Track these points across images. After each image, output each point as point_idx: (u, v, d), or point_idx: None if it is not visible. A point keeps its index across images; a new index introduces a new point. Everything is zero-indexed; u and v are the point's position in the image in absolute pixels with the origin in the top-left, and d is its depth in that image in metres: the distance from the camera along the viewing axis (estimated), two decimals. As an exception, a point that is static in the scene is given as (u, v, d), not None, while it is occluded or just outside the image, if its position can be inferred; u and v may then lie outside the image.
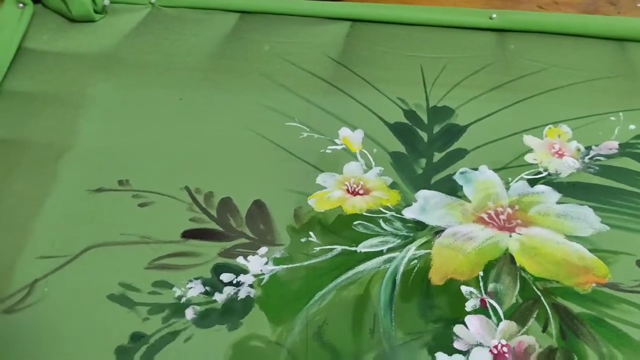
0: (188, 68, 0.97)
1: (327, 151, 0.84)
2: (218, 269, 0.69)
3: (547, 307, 0.66)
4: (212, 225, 0.74)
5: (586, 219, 0.75)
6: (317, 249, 0.72)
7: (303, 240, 0.73)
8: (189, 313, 0.65)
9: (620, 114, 0.90)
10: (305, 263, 0.70)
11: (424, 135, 0.87)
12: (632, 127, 0.88)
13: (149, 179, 0.79)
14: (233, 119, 0.88)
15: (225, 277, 0.69)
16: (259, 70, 0.96)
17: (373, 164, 0.83)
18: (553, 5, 1.24)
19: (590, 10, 1.23)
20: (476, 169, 0.82)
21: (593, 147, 0.85)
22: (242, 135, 0.86)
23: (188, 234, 0.73)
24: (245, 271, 0.69)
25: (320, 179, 0.80)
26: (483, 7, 1.13)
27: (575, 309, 0.66)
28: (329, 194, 0.78)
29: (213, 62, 0.98)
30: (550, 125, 0.88)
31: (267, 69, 0.96)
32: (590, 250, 0.72)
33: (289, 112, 0.89)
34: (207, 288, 0.67)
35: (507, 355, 0.62)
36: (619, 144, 0.85)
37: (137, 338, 0.63)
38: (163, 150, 0.84)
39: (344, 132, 0.87)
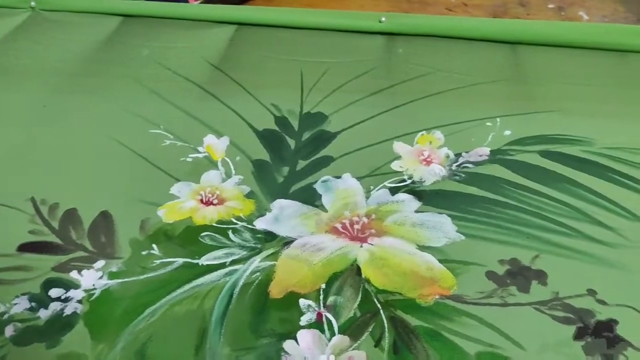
0: (58, 73, 0.94)
1: (188, 159, 0.82)
2: (48, 284, 0.67)
3: (384, 320, 0.64)
4: (52, 238, 0.72)
5: (442, 228, 0.74)
6: (157, 262, 0.70)
7: (144, 253, 0.71)
8: (9, 330, 0.63)
9: (498, 119, 0.88)
10: (142, 277, 0.68)
11: (291, 142, 0.85)
12: (507, 132, 0.86)
13: (-5, 188, 0.77)
14: (95, 125, 0.86)
15: (54, 292, 0.66)
16: (133, 75, 0.94)
17: (233, 172, 0.80)
18: (462, 7, 1.22)
19: (500, 12, 1.22)
20: (339, 177, 0.80)
21: (463, 153, 0.84)
22: (101, 143, 0.83)
23: (24, 248, 0.71)
24: (76, 286, 0.67)
25: (175, 188, 0.78)
26: (390, 10, 1.12)
27: (414, 322, 0.64)
28: (181, 205, 0.76)
29: (86, 67, 0.96)
30: (423, 132, 0.86)
31: (141, 74, 0.94)
32: (441, 261, 0.70)
33: (155, 119, 0.87)
34: (33, 304, 0.65)
35: (333, 371, 0.60)
36: (491, 151, 0.84)
37: (-51, 357, 0.61)
38: (15, 159, 0.81)
39: (209, 139, 0.85)
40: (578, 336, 0.64)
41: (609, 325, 0.65)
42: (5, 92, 0.91)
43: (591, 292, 0.67)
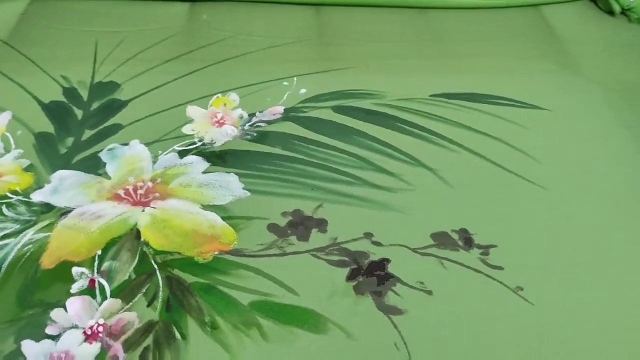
0: None
1: (-38, 136, 0.78)
2: None
3: (160, 280, 0.64)
4: None
5: (228, 186, 0.74)
6: None
7: None
8: None
9: (295, 78, 0.89)
10: None
11: (79, 112, 0.82)
12: (303, 91, 0.88)
13: None
14: None
15: None
16: None
17: (13, 147, 0.77)
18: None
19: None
20: (126, 144, 0.78)
21: (257, 113, 0.84)
22: None
23: None
24: None
25: (-54, 168, 0.74)
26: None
27: (190, 279, 0.64)
28: (-47, 183, 0.72)
29: None
30: (218, 95, 0.86)
31: None
32: (224, 218, 0.70)
33: None
34: None
35: (101, 334, 0.59)
36: (285, 109, 0.85)
37: None
38: None
39: (-10, 115, 0.81)
40: (351, 277, 0.65)
41: (381, 264, 0.67)
42: None
43: (368, 235, 0.69)
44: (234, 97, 0.86)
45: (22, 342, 0.58)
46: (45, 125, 0.80)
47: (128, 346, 0.58)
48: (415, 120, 0.85)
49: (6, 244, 0.66)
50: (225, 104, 0.84)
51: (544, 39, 1.06)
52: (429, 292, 0.64)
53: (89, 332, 0.59)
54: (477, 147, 0.81)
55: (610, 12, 1.11)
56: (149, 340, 0.59)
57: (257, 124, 0.82)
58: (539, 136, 0.84)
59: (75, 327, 0.60)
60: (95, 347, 0.58)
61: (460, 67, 0.97)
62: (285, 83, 0.88)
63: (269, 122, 0.83)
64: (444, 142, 0.82)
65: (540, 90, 0.93)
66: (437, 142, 0.82)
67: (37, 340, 0.58)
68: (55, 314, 0.60)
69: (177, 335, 0.59)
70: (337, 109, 0.85)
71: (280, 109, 0.84)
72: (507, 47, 1.04)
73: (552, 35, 1.06)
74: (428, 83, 0.91)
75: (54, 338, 0.59)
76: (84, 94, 0.84)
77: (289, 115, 0.84)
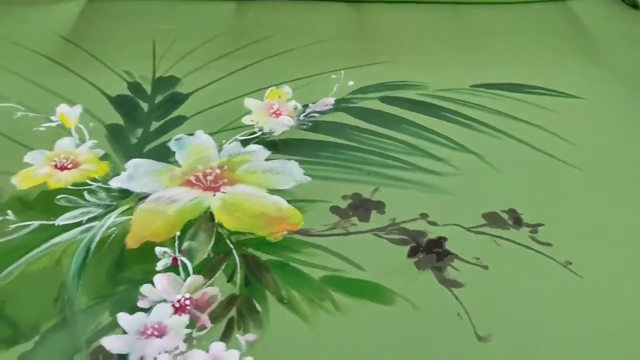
0: None
1: (41, 129, 0.84)
2: None
3: (236, 258, 0.69)
4: None
5: (290, 172, 0.79)
6: (13, 226, 0.71)
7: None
8: None
9: (342, 71, 0.95)
10: (-1, 241, 0.69)
11: (145, 105, 0.88)
12: (350, 83, 0.93)
13: None
14: None
15: None
16: (-21, 53, 0.94)
17: (87, 137, 0.83)
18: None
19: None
20: (192, 135, 0.84)
21: (310, 104, 0.89)
22: None
23: None
24: None
25: (29, 157, 0.80)
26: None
27: (264, 257, 0.69)
28: (36, 171, 0.78)
29: None
30: (272, 87, 0.91)
31: (-12, 52, 0.94)
32: (289, 201, 0.75)
33: (5, 93, 0.87)
34: None
35: (188, 307, 0.64)
36: (335, 100, 0.90)
37: None
38: None
39: (62, 108, 0.86)
40: (411, 254, 0.71)
41: (439, 242, 0.72)
42: None
43: (423, 216, 0.74)
44: (287, 89, 0.91)
45: (117, 315, 0.63)
46: (114, 117, 0.85)
47: (214, 318, 0.63)
48: (458, 109, 0.90)
49: (92, 227, 0.71)
50: (279, 96, 0.90)
51: (571, 33, 1.11)
52: (485, 267, 0.69)
53: (177, 305, 0.64)
54: (518, 133, 0.87)
55: (635, 6, 1.17)
56: (232, 312, 0.64)
57: (311, 115, 0.88)
58: (574, 122, 0.90)
59: (164, 301, 0.65)
60: (184, 319, 0.63)
61: (495, 60, 1.02)
62: (333, 76, 0.94)
63: (321, 113, 0.88)
64: (486, 129, 0.87)
65: (571, 81, 0.98)
66: (480, 129, 0.87)
67: (131, 313, 0.63)
68: (145, 289, 0.65)
69: (258, 307, 0.65)
70: (384, 100, 0.91)
71: (331, 100, 0.90)
72: (537, 40, 1.10)
73: (579, 29, 1.11)
74: (467, 74, 0.97)
75: (146, 311, 0.64)
76: (147, 88, 0.90)
77: (339, 106, 0.89)
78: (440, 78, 0.95)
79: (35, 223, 0.71)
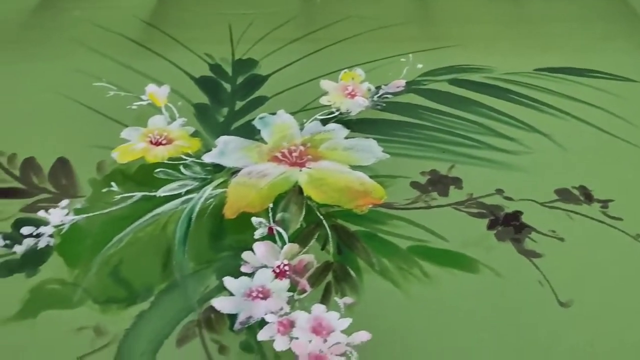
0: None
1: (133, 107, 0.89)
2: (19, 224, 0.73)
3: (327, 228, 0.74)
4: (15, 184, 0.78)
5: (370, 150, 0.84)
6: (118, 197, 0.76)
7: (104, 190, 0.77)
8: (-12, 265, 0.69)
9: (410, 55, 0.99)
10: (105, 211, 0.75)
11: (227, 86, 0.93)
12: (419, 66, 0.98)
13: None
14: (42, 85, 0.92)
15: (26, 230, 0.72)
16: (68, 35, 0.99)
17: (177, 115, 0.88)
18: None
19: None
20: (274, 114, 0.88)
21: (382, 86, 0.94)
22: (50, 99, 0.90)
23: (-11, 194, 0.76)
24: (45, 223, 0.73)
25: (125, 133, 0.85)
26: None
27: (352, 227, 0.74)
28: (133, 146, 0.83)
29: (23, 34, 1.00)
30: (345, 70, 0.96)
31: (76, 34, 0.99)
32: (371, 177, 0.80)
33: (96, 73, 0.93)
34: (7, 242, 0.71)
35: (287, 272, 0.69)
36: (406, 82, 0.95)
37: None
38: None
39: (151, 88, 0.92)
40: (490, 226, 0.75)
41: (516, 215, 0.76)
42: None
43: (499, 191, 0.79)
44: (359, 72, 0.96)
45: (223, 279, 0.68)
46: (200, 97, 0.91)
47: (312, 282, 0.68)
48: (524, 91, 0.94)
49: (191, 198, 0.77)
50: (353, 78, 0.94)
51: (621, 18, 1.15)
52: (561, 239, 0.73)
53: (277, 271, 0.69)
54: (581, 114, 0.91)
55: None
56: (329, 277, 0.69)
57: (384, 96, 0.92)
58: (632, 104, 0.94)
59: (265, 266, 0.70)
60: (285, 283, 0.68)
61: (554, 45, 1.06)
62: (402, 59, 0.98)
63: (394, 94, 0.93)
64: (552, 111, 0.91)
65: (624, 64, 1.02)
66: (546, 110, 0.91)
67: (235, 277, 0.68)
68: (246, 255, 0.70)
69: (352, 273, 0.69)
70: (453, 82, 0.95)
71: (402, 82, 0.94)
72: (589, 26, 1.13)
73: (628, 14, 1.15)
74: (530, 59, 1.01)
75: (249, 275, 0.69)
76: (228, 70, 0.95)
77: (410, 87, 0.94)
78: (505, 62, 0.99)
79: (138, 194, 0.77)
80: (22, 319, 0.64)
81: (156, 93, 0.90)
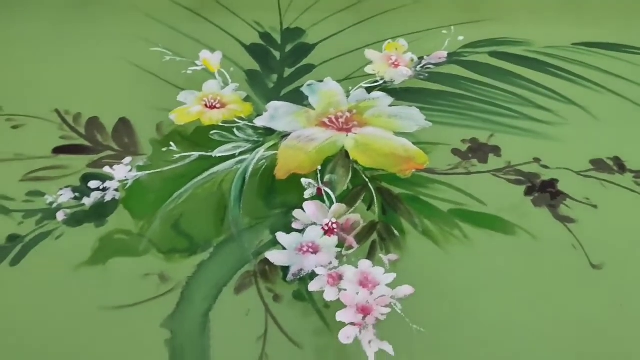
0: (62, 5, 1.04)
1: (188, 72, 0.94)
2: (86, 178, 0.79)
3: (372, 190, 0.78)
4: (81, 141, 0.83)
5: (412, 117, 0.88)
6: (177, 156, 0.82)
7: (164, 149, 0.82)
8: (60, 215, 0.74)
9: (452, 27, 1.03)
10: (166, 168, 0.80)
11: (277, 54, 0.97)
12: (460, 38, 1.01)
13: (21, 104, 0.87)
14: (103, 48, 0.98)
15: (93, 184, 0.78)
16: (128, 3, 1.04)
17: (230, 81, 0.93)
18: None
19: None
20: (321, 81, 0.93)
21: (425, 57, 0.98)
22: (110, 62, 0.95)
23: (58, 150, 0.82)
24: (111, 178, 0.79)
25: (182, 96, 0.90)
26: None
27: (396, 190, 0.79)
28: (189, 109, 0.88)
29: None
30: (389, 40, 1.00)
31: (136, 1, 1.04)
32: (414, 143, 0.84)
33: (153, 39, 0.98)
34: (76, 194, 0.77)
35: (336, 230, 0.74)
36: (448, 53, 0.98)
37: (13, 239, 0.72)
38: (35, 77, 0.92)
39: (204, 54, 0.96)
40: (528, 193, 0.79)
41: (552, 183, 0.80)
42: (15, 22, 1.01)
43: (536, 160, 0.83)
44: (402, 42, 1.00)
45: (276, 234, 0.73)
46: (251, 63, 0.95)
47: (359, 239, 0.73)
48: (562, 64, 0.98)
49: (244, 159, 0.82)
50: (396, 49, 0.98)
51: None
52: (595, 206, 0.77)
53: (326, 228, 0.74)
54: (616, 88, 0.94)
55: None
56: (374, 236, 0.74)
57: (427, 66, 0.96)
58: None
59: (314, 224, 0.74)
60: (333, 240, 0.73)
61: (591, 20, 1.09)
62: (444, 31, 1.02)
63: (436, 65, 0.96)
64: (588, 84, 0.95)
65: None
66: (583, 83, 0.95)
67: (287, 233, 0.74)
68: (297, 213, 0.75)
69: (396, 232, 0.74)
70: (493, 54, 0.99)
71: (444, 54, 0.98)
72: (630, 2, 1.15)
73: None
74: (567, 33, 1.04)
75: (300, 232, 0.74)
76: (277, 38, 0.99)
77: (452, 59, 0.98)
78: (544, 36, 1.02)
79: (195, 154, 0.82)
80: (93, 265, 0.70)
81: (210, 59, 0.95)
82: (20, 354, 0.63)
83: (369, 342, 0.64)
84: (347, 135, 0.85)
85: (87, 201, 0.76)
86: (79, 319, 0.66)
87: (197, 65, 0.95)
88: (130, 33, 1.00)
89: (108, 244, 0.72)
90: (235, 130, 0.85)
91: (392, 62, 0.96)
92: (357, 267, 0.70)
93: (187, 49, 0.97)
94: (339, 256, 0.71)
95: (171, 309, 0.66)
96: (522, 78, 0.95)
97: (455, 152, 0.84)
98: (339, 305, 0.66)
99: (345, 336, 0.64)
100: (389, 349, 0.63)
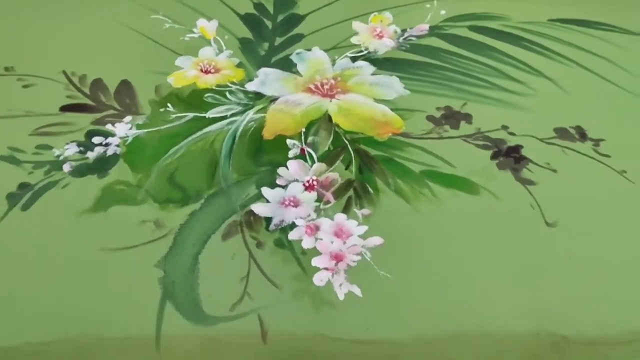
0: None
1: (186, 39, 1.01)
2: (90, 134, 0.86)
3: (351, 151, 0.86)
4: (86, 101, 0.91)
5: (392, 86, 0.95)
6: (173, 116, 0.89)
7: (162, 110, 0.90)
8: (66, 167, 0.82)
9: (435, 1, 1.09)
10: (163, 127, 0.87)
11: (269, 23, 1.04)
12: (442, 12, 1.07)
13: (31, 65, 0.95)
14: (105, 14, 1.04)
15: (96, 139, 0.85)
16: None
17: (224, 48, 0.99)
18: None
19: None
20: (309, 50, 0.99)
21: (408, 29, 1.04)
22: (112, 28, 1.02)
23: (65, 108, 0.89)
24: (112, 135, 0.86)
25: (179, 61, 0.97)
26: None
27: (373, 152, 0.86)
28: (186, 73, 0.95)
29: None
30: (375, 13, 1.06)
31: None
32: (393, 109, 0.91)
33: (154, 7, 1.04)
34: (81, 148, 0.84)
35: (315, 186, 0.81)
36: (430, 27, 1.05)
37: (24, 187, 0.80)
38: (44, 41, 0.99)
39: (201, 22, 1.03)
40: (493, 157, 0.86)
41: (516, 148, 0.87)
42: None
43: (504, 127, 0.90)
44: (388, 15, 1.06)
45: (261, 189, 0.81)
46: (245, 32, 1.02)
47: (336, 195, 0.81)
48: (536, 39, 1.04)
49: (235, 120, 0.89)
50: (381, 21, 1.05)
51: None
52: (554, 171, 0.84)
53: (307, 184, 0.81)
54: (587, 63, 1.00)
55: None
56: (350, 192, 0.81)
57: (409, 38, 1.02)
58: (634, 55, 1.03)
59: (296, 180, 0.82)
60: (313, 195, 0.80)
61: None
62: (427, 5, 1.08)
63: (417, 37, 1.03)
64: (560, 58, 1.01)
65: (632, 19, 1.10)
66: (555, 58, 1.01)
67: (272, 188, 0.81)
68: (281, 171, 0.83)
69: (370, 190, 0.82)
70: (472, 28, 1.05)
71: (426, 27, 1.04)
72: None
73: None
74: (544, 9, 1.10)
75: (284, 187, 0.81)
76: (270, 8, 1.06)
77: (433, 32, 1.04)
78: (521, 11, 1.08)
79: (190, 115, 0.89)
80: (95, 212, 0.78)
81: (206, 27, 1.02)
82: (29, 290, 0.71)
83: (340, 285, 0.71)
84: (330, 101, 0.91)
85: (91, 155, 0.84)
86: (82, 259, 0.74)
87: (194, 33, 1.01)
88: (134, 1, 1.06)
89: (109, 193, 0.80)
90: (227, 93, 0.92)
91: (377, 33, 1.02)
92: (332, 220, 0.77)
93: (185, 17, 1.03)
94: (317, 210, 0.79)
95: (164, 251, 0.74)
96: (498, 51, 1.01)
97: (430, 118, 0.91)
98: (315, 252, 0.74)
99: (319, 279, 0.72)
100: (357, 291, 0.71)
